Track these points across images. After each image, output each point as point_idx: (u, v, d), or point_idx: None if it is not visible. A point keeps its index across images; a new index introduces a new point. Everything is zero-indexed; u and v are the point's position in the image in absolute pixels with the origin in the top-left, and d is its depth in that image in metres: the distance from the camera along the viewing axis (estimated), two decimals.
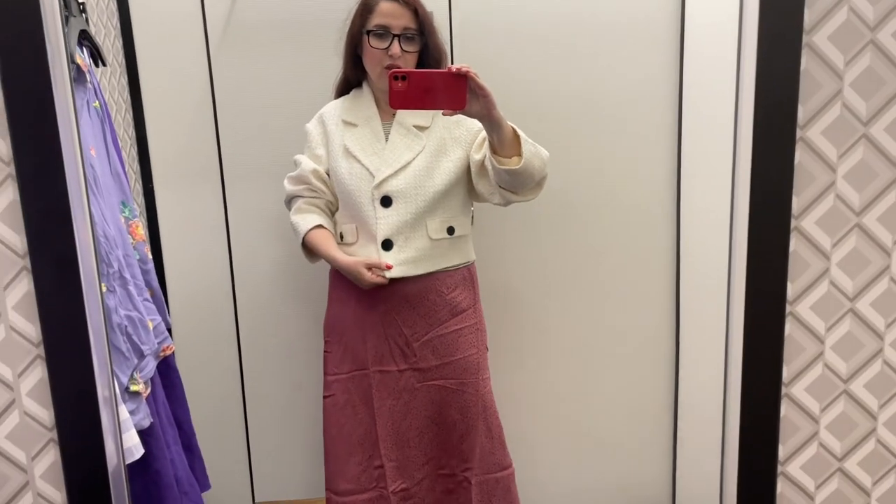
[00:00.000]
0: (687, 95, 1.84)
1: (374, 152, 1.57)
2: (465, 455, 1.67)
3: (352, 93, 1.66)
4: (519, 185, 1.49)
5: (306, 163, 1.64)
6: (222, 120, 1.85)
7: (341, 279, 1.64)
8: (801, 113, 1.02)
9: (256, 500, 1.97)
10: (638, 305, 1.97)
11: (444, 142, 1.59)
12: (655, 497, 2.06)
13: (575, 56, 1.84)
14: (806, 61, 0.99)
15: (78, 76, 1.37)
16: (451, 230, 1.61)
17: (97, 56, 1.54)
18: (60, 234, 0.86)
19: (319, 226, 1.62)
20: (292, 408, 1.98)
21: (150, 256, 1.66)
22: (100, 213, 1.33)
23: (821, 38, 0.99)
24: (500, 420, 1.70)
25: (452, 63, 1.79)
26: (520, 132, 1.45)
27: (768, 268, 1.05)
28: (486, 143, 1.50)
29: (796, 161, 1.02)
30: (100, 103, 1.50)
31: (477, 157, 1.56)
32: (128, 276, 1.41)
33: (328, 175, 1.63)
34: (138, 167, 1.85)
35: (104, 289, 1.31)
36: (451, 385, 1.64)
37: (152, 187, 1.86)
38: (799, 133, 1.01)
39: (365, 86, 1.63)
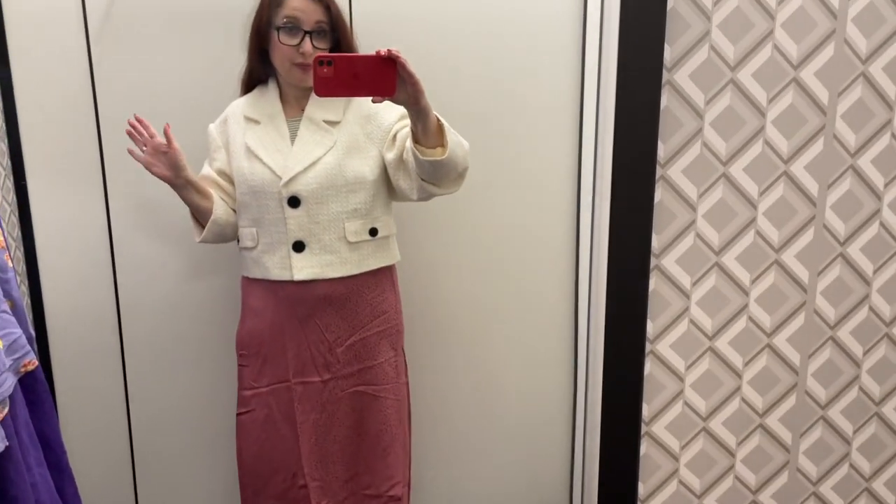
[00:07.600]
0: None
1: (277, 150, 1.47)
2: (390, 472, 1.56)
3: (257, 89, 1.55)
4: (441, 176, 1.39)
5: (205, 171, 1.57)
6: (104, 115, 1.70)
7: (255, 289, 1.54)
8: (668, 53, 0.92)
9: None
10: (540, 309, 1.88)
11: (356, 138, 1.48)
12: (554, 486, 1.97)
13: (478, 52, 1.74)
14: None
15: None
16: (373, 231, 1.51)
17: None
18: None
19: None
20: (181, 420, 1.84)
21: (11, 264, 1.52)
22: None
23: None
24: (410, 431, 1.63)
25: None
26: (443, 121, 1.36)
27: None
28: (401, 138, 1.43)
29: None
30: None
31: (391, 155, 1.47)
32: None
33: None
34: (9, 163, 1.70)
35: None
36: (371, 391, 1.54)
37: (25, 184, 1.71)
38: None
39: (271, 82, 1.53)
